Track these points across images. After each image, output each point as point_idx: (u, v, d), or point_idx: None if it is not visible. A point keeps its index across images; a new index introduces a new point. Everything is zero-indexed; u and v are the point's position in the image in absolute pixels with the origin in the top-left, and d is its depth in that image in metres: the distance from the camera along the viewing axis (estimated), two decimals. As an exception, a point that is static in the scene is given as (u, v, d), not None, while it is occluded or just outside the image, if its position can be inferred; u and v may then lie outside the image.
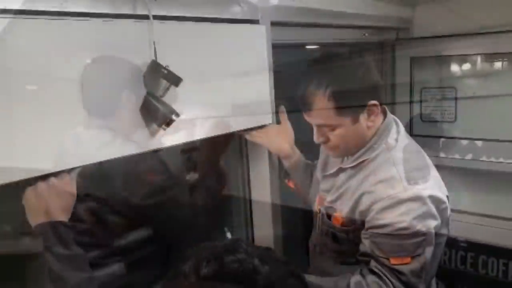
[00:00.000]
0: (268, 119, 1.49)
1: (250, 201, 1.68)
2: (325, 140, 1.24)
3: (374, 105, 1.20)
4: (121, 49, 1.01)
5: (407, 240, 1.10)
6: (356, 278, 1.15)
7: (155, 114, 1.04)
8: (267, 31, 1.44)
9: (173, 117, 1.05)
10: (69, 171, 0.93)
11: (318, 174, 1.47)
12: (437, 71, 2.45)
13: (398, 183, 1.14)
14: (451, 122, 2.43)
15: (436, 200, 1.15)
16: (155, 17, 1.06)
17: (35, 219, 0.92)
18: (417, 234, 1.10)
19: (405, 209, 1.11)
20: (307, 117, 1.24)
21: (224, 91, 1.31)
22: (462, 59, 2.40)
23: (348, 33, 2.07)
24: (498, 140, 2.24)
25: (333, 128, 1.20)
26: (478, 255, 2.40)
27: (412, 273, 1.10)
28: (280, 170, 1.59)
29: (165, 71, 1.02)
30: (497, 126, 2.27)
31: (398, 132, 1.27)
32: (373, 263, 1.15)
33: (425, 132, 2.45)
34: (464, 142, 2.34)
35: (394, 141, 1.24)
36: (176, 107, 1.09)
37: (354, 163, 1.26)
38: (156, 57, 1.05)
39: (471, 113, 2.38)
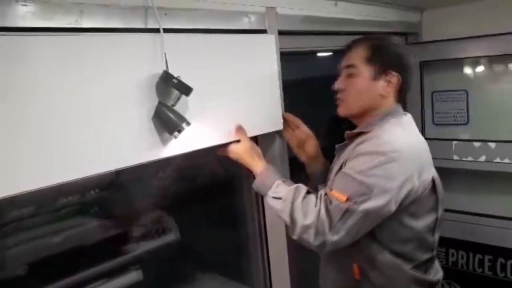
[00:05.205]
0: (279, 125, 1.51)
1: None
2: (343, 87, 1.34)
3: (394, 76, 1.29)
4: (134, 61, 1.05)
5: (354, 183, 1.16)
6: (310, 193, 1.26)
7: (167, 122, 1.07)
8: (275, 40, 1.47)
9: (184, 125, 1.08)
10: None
11: None
12: (448, 74, 2.45)
13: (377, 140, 1.21)
14: (464, 125, 2.42)
15: (404, 166, 1.18)
16: (166, 30, 1.11)
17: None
18: (364, 184, 1.14)
19: (368, 158, 1.17)
20: (343, 60, 1.36)
21: (235, 99, 1.34)
22: (472, 61, 2.40)
23: (357, 39, 2.09)
24: (511, 142, 2.23)
25: (354, 75, 1.31)
26: (496, 258, 2.37)
27: (337, 207, 1.15)
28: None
29: (176, 81, 1.06)
30: (510, 127, 2.26)
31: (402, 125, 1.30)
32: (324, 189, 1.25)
33: (437, 136, 2.44)
34: (477, 144, 2.33)
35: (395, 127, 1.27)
36: (187, 115, 1.13)
37: (351, 133, 1.35)
38: (167, 67, 1.09)
39: (484, 115, 2.38)
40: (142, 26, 1.10)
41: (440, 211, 1.32)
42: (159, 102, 1.08)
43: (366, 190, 1.14)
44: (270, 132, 1.52)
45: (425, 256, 1.32)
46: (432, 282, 1.35)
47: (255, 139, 1.64)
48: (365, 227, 1.19)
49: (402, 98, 1.36)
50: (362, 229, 1.19)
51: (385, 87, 1.30)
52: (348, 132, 1.37)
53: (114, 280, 1.59)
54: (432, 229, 1.31)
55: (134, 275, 1.65)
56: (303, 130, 1.53)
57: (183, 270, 1.85)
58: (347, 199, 1.14)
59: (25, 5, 0.88)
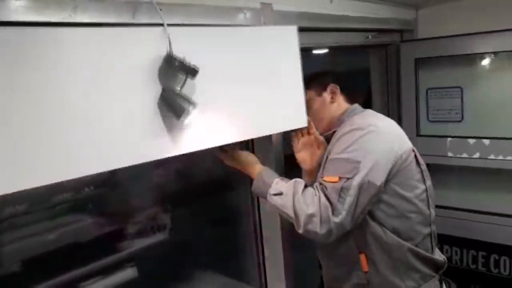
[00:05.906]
0: (302, 122, 1.47)
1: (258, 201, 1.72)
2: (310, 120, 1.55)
3: (334, 86, 1.54)
4: (133, 57, 1.01)
5: (341, 163, 1.26)
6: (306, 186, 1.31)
7: (173, 107, 1.01)
8: (296, 33, 1.41)
9: (190, 107, 1.02)
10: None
11: None
12: (443, 71, 2.46)
13: (351, 123, 1.36)
14: (458, 122, 2.43)
15: (382, 138, 1.30)
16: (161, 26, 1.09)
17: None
18: (350, 160, 1.24)
19: (347, 137, 1.30)
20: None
21: (246, 94, 1.27)
22: (467, 58, 2.40)
23: (352, 36, 2.09)
24: (505, 138, 2.24)
25: (309, 105, 1.53)
26: (489, 255, 2.39)
27: (332, 188, 1.22)
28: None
29: (180, 63, 1.01)
30: (504, 124, 2.27)
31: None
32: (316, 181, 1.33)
33: (432, 133, 2.45)
34: (472, 141, 2.34)
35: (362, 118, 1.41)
36: (202, 110, 1.09)
37: (328, 134, 1.48)
38: (171, 51, 1.04)
39: (478, 112, 2.38)
40: (138, 21, 1.08)
41: (428, 183, 1.41)
42: (163, 88, 1.02)
43: (354, 164, 1.23)
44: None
45: (425, 230, 1.39)
46: (437, 261, 1.41)
47: (251, 140, 1.64)
48: (362, 202, 1.23)
49: (352, 98, 1.57)
50: (360, 204, 1.23)
51: (331, 96, 1.55)
52: (324, 134, 1.50)
53: (108, 277, 1.59)
54: (426, 201, 1.39)
55: (129, 272, 1.65)
56: (316, 136, 1.50)
57: (178, 267, 1.85)
58: (340, 179, 1.21)
59: (18, -1, 0.87)
